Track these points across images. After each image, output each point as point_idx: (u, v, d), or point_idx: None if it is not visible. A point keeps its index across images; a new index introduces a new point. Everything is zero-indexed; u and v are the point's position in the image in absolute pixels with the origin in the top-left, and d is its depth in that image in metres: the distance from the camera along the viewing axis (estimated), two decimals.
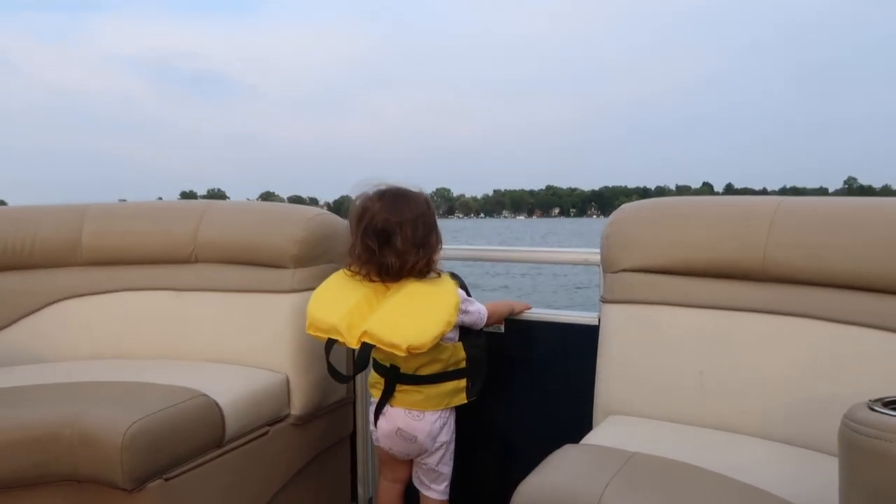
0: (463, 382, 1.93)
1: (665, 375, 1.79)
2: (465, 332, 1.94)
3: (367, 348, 1.76)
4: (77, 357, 2.42)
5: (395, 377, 1.91)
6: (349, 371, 2.19)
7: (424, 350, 1.71)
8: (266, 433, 2.11)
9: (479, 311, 1.95)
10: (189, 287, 2.41)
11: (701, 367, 1.74)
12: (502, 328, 2.22)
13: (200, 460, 1.87)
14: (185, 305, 2.40)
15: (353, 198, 1.88)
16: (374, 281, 1.85)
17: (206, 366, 2.25)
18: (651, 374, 1.81)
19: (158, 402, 1.82)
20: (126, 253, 2.51)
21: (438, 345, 1.84)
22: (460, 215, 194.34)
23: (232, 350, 2.30)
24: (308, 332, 1.84)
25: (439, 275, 1.88)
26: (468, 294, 1.96)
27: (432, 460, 1.98)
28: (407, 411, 1.92)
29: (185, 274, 2.44)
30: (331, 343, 1.82)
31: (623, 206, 1.99)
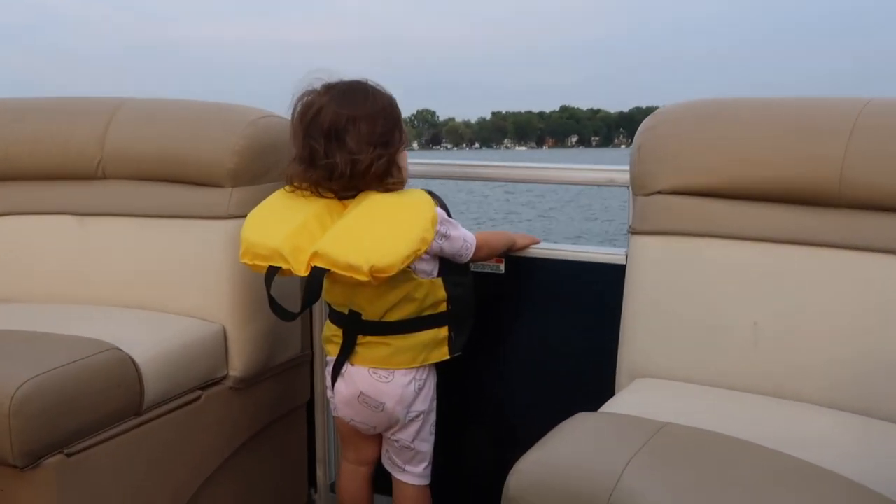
0: (444, 331, 1.93)
1: (709, 327, 1.79)
2: (447, 268, 1.93)
3: (318, 273, 1.77)
4: None
5: (356, 326, 1.91)
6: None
7: (393, 272, 1.72)
8: (197, 399, 2.12)
9: (463, 236, 1.93)
10: (95, 211, 2.38)
11: (755, 316, 1.74)
12: (502, 268, 2.22)
13: (112, 431, 1.87)
14: (90, 235, 2.38)
15: (296, 98, 1.88)
16: (325, 196, 1.86)
17: (118, 312, 2.24)
18: (691, 325, 1.80)
19: (57, 356, 1.81)
20: (10, 165, 2.47)
21: (411, 278, 1.84)
22: (448, 145, 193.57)
23: (152, 293, 2.29)
24: (242, 260, 1.85)
25: (402, 185, 1.88)
26: (449, 216, 1.94)
27: (406, 435, 1.99)
28: (371, 371, 1.92)
29: (89, 194, 2.41)
30: (272, 272, 1.83)
31: (660, 108, 1.98)
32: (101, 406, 1.84)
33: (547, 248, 2.21)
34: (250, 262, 1.84)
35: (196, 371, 2.12)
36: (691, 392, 1.74)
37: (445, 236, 1.88)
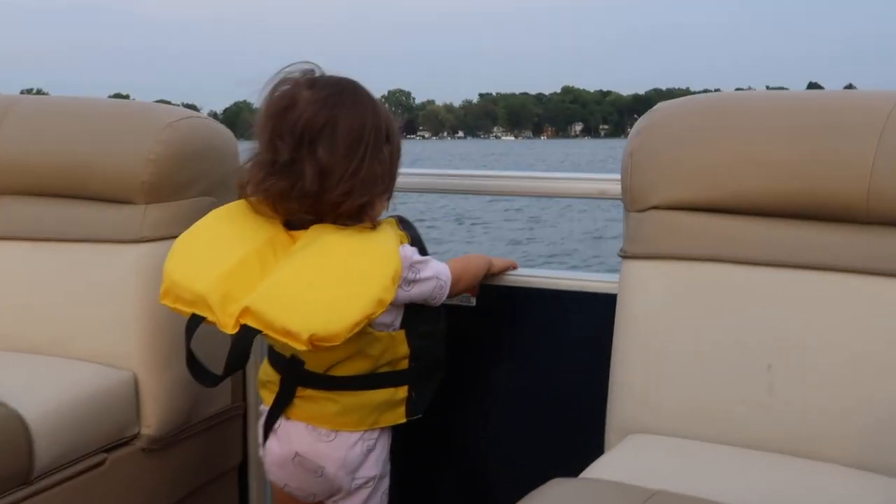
0: (402, 392, 1.91)
1: (715, 372, 1.78)
2: (414, 316, 1.91)
3: (247, 335, 1.74)
4: None
5: (297, 376, 1.89)
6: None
7: (338, 342, 1.70)
8: (101, 463, 2.10)
9: (437, 274, 1.90)
10: None
11: (769, 357, 1.74)
12: (473, 300, 2.21)
13: None
14: None
15: (270, 86, 1.83)
16: (277, 216, 1.84)
17: (6, 358, 2.23)
18: (694, 369, 1.80)
19: None
20: None
21: (366, 332, 1.81)
22: (425, 134, 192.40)
23: (47, 333, 2.28)
24: (162, 301, 1.83)
25: (374, 226, 1.84)
26: (423, 252, 1.91)
27: None
28: (311, 428, 1.89)
29: None
30: (196, 322, 1.80)
31: (657, 106, 1.97)
32: None
33: (526, 276, 2.20)
34: (171, 305, 1.82)
35: (100, 429, 2.10)
36: (693, 450, 1.72)
37: (413, 281, 1.85)
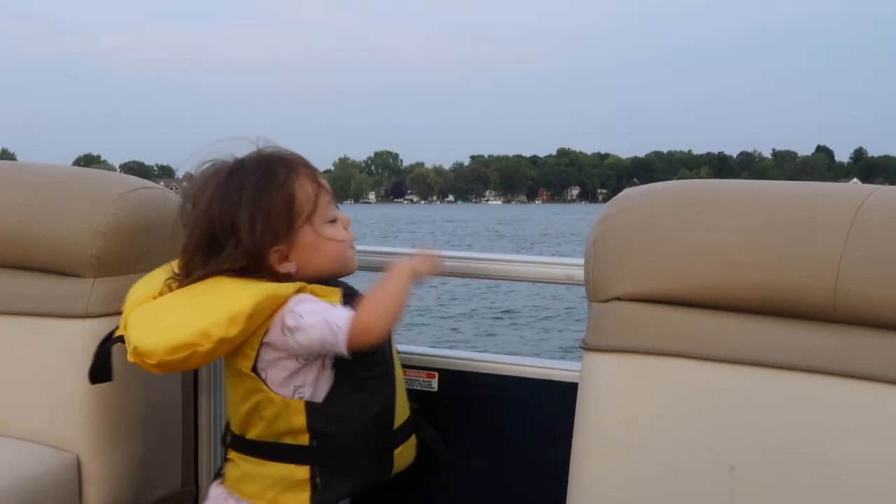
0: (303, 472, 1.87)
1: (676, 473, 1.76)
2: (335, 392, 1.87)
3: (105, 341, 1.93)
4: None
5: (227, 437, 1.99)
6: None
7: (153, 361, 1.78)
8: None
9: (326, 321, 1.80)
10: None
11: (732, 459, 1.72)
12: (434, 384, 2.21)
13: None
14: None
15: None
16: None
17: None
18: (654, 469, 1.78)
19: None
20: None
21: (259, 388, 1.84)
22: (413, 198, 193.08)
23: None
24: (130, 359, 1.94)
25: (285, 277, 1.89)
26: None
27: None
28: (225, 495, 1.95)
29: None
30: (114, 340, 1.96)
31: (623, 193, 1.97)
32: None
33: (488, 361, 2.20)
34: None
35: None
36: None
37: (296, 329, 1.81)
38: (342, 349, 1.80)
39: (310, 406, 1.85)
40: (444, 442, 2.17)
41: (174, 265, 1.95)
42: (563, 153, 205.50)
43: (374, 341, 1.83)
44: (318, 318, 1.81)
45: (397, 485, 2.01)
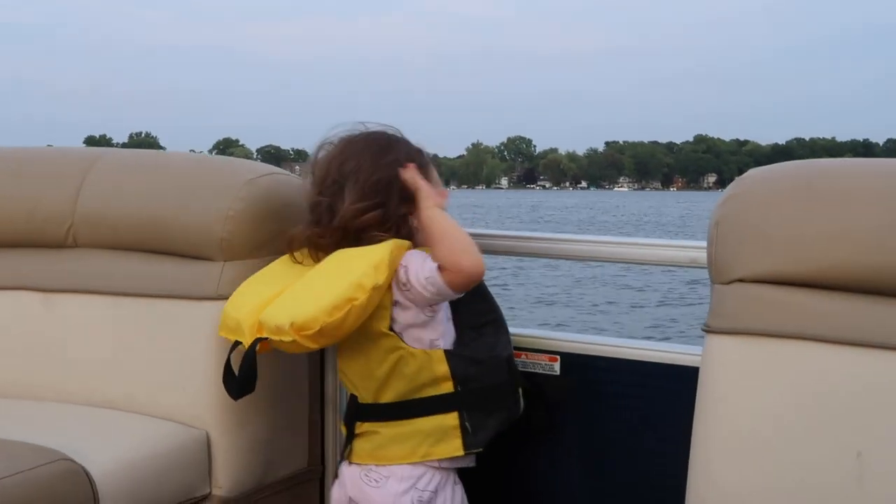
0: (451, 419, 1.95)
1: (801, 459, 1.75)
2: (463, 339, 1.99)
3: (251, 346, 1.95)
4: None
5: (354, 412, 2.02)
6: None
7: (316, 327, 1.85)
8: None
9: (418, 271, 1.93)
10: (62, 287, 2.46)
11: (859, 444, 1.70)
12: (557, 367, 2.23)
13: None
14: (55, 316, 2.45)
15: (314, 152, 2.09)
16: (317, 257, 2.04)
17: (77, 411, 2.29)
18: (778, 455, 1.77)
19: None
20: None
21: (397, 346, 1.92)
22: (546, 184, 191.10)
23: (122, 389, 2.34)
24: (220, 333, 2.09)
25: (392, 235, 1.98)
26: None
27: None
28: (364, 472, 1.98)
29: (57, 265, 2.49)
30: (235, 346, 2.03)
31: (747, 173, 1.95)
32: None
33: (611, 345, 2.20)
34: (224, 336, 2.06)
35: (170, 489, 2.14)
36: None
37: (407, 283, 1.93)
38: (449, 292, 1.93)
39: (449, 353, 1.95)
40: (563, 424, 2.23)
41: (283, 261, 2.11)
42: (699, 140, 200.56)
43: (472, 275, 1.94)
44: (420, 267, 1.93)
45: (513, 466, 2.04)
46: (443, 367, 1.94)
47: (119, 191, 2.46)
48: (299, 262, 2.06)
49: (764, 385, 1.81)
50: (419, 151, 2.08)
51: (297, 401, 2.42)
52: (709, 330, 1.88)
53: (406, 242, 1.96)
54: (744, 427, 1.82)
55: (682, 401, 1.98)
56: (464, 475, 2.06)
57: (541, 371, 2.23)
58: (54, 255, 2.51)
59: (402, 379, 1.94)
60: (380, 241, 1.95)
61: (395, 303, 1.94)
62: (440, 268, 1.90)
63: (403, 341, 1.94)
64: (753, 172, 1.95)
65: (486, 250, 2.33)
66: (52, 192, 2.51)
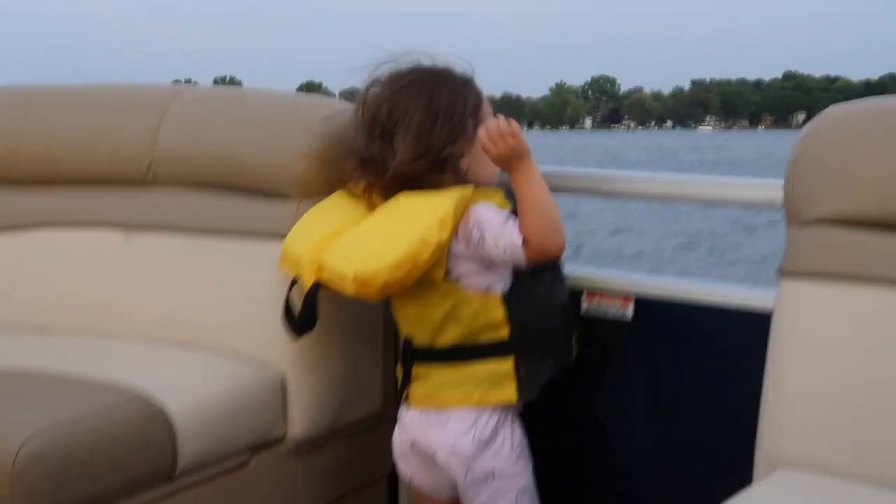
0: (506, 364, 1.95)
1: (880, 406, 1.71)
2: (518, 285, 1.96)
3: (312, 288, 1.98)
4: None
5: (409, 355, 2.02)
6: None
7: (379, 282, 1.87)
8: (246, 464, 2.16)
9: (497, 236, 1.90)
10: (142, 223, 2.49)
11: None
12: (629, 312, 2.20)
13: (136, 501, 1.93)
14: (135, 253, 2.48)
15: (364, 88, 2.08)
16: (375, 200, 2.05)
17: (155, 351, 2.31)
18: (855, 402, 1.73)
19: (73, 406, 1.88)
20: (49, 167, 2.59)
21: (455, 290, 1.92)
22: (631, 123, 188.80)
23: (199, 329, 2.36)
24: (280, 267, 2.11)
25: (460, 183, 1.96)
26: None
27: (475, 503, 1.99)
28: (424, 414, 1.99)
29: (137, 203, 2.52)
30: (294, 282, 2.07)
31: (827, 110, 1.89)
32: (123, 469, 1.90)
33: (688, 289, 2.16)
34: (285, 269, 2.09)
35: (246, 429, 2.17)
36: (849, 493, 1.65)
37: (477, 240, 1.91)
38: (524, 264, 1.92)
39: (506, 299, 1.95)
40: (635, 372, 2.23)
41: (339, 196, 2.13)
42: (788, 76, 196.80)
43: (554, 257, 1.95)
44: (499, 232, 1.90)
45: (576, 409, 2.06)
46: (499, 313, 1.94)
47: (197, 128, 2.47)
48: (353, 199, 2.09)
49: (841, 330, 1.77)
50: (466, 87, 2.04)
51: (372, 342, 2.42)
52: (784, 273, 1.85)
53: (469, 189, 1.94)
54: (820, 371, 1.78)
55: (758, 344, 1.93)
56: (525, 414, 2.07)
57: (612, 318, 2.20)
58: (135, 192, 2.53)
59: (458, 323, 1.94)
60: (439, 184, 1.94)
61: (451, 252, 1.93)
62: (524, 241, 1.88)
63: (460, 286, 1.93)
64: (834, 109, 1.89)
65: (557, 188, 2.28)
66: (132, 129, 2.53)
